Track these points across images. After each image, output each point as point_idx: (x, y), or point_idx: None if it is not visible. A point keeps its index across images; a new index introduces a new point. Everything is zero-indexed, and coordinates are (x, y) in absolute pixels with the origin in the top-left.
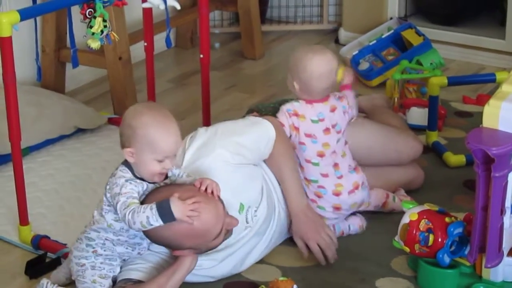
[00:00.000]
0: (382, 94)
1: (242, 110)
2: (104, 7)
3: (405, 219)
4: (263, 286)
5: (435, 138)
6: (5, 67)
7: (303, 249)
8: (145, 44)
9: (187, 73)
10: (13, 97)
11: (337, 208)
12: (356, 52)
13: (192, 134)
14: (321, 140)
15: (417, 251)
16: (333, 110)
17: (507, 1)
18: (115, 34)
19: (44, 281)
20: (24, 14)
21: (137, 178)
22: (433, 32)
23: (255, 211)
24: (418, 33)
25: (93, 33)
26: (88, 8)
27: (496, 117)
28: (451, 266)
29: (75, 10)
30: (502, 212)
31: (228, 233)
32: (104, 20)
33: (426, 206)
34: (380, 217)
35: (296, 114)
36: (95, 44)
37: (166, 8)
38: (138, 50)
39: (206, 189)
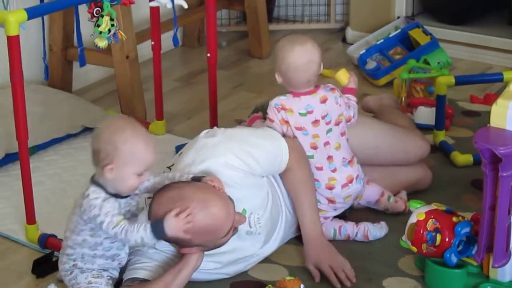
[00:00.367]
0: (390, 94)
1: (249, 109)
2: (111, 6)
3: (413, 219)
4: (270, 285)
5: (442, 137)
6: (13, 66)
7: (314, 273)
8: (152, 43)
9: (194, 72)
10: (20, 96)
11: (331, 201)
12: (363, 51)
13: (209, 130)
14: (311, 132)
15: (424, 251)
16: (323, 101)
17: None
18: (122, 33)
19: (52, 286)
20: (32, 13)
21: (111, 195)
22: (440, 31)
23: (258, 218)
24: (426, 32)
25: (100, 32)
26: (96, 7)
27: (504, 117)
28: (458, 265)
29: (83, 9)
30: (510, 211)
31: (235, 230)
32: (112, 19)
33: (433, 206)
34: (387, 217)
35: (284, 108)
36: (102, 43)
37: (173, 6)
38: (145, 49)
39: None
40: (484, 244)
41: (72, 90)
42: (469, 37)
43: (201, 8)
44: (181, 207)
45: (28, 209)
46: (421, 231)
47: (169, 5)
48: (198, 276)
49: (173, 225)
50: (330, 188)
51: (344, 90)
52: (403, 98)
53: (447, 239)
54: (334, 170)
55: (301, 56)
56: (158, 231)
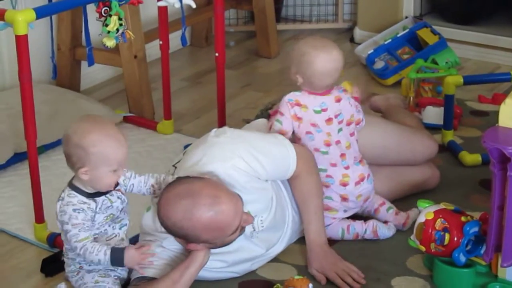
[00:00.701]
0: (398, 94)
1: (257, 108)
2: (119, 5)
3: (421, 218)
4: (278, 284)
5: (450, 137)
6: (21, 65)
7: (319, 277)
8: (161, 42)
9: (202, 72)
10: (28, 96)
11: (344, 199)
12: (371, 51)
13: (217, 130)
14: (324, 129)
15: (432, 250)
16: (338, 100)
17: None
18: (130, 33)
19: (62, 285)
20: (40, 12)
21: (89, 195)
22: (448, 31)
23: (262, 220)
24: (434, 32)
25: (108, 32)
26: (104, 7)
27: None
28: (466, 265)
29: (91, 9)
30: None
31: (243, 230)
32: (120, 19)
33: (442, 205)
34: None
35: (298, 104)
36: (110, 43)
37: (181, 6)
38: (153, 49)
39: None
40: (492, 243)
41: (80, 89)
42: (477, 37)
43: (209, 7)
44: (142, 244)
45: (37, 208)
46: (430, 231)
47: (177, 5)
48: (206, 274)
49: (131, 256)
50: (344, 184)
51: None
52: (411, 98)
53: (455, 239)
54: (347, 167)
55: (328, 63)
56: (117, 259)
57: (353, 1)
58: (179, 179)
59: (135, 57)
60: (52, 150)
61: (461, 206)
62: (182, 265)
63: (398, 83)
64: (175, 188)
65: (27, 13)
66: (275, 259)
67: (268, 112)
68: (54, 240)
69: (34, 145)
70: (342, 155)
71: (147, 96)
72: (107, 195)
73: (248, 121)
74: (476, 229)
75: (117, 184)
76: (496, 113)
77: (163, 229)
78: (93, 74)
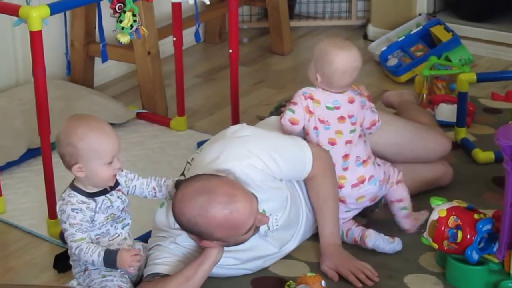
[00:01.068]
0: (411, 90)
1: (270, 105)
2: (133, 1)
3: (434, 216)
4: (291, 281)
5: (463, 134)
6: (35, 61)
7: (331, 273)
8: (174, 39)
9: (215, 68)
10: (42, 91)
11: (341, 201)
12: (385, 48)
13: (235, 126)
14: (334, 127)
15: (445, 248)
16: (351, 101)
17: None
18: (144, 29)
19: (74, 282)
20: (54, 8)
21: (88, 195)
22: (462, 28)
23: (276, 219)
24: (447, 29)
25: (122, 28)
26: (118, 3)
27: None
28: (479, 263)
29: (105, 5)
30: None
31: (257, 229)
32: (134, 15)
33: (454, 203)
34: None
35: (312, 98)
36: (124, 39)
37: (195, 2)
38: (167, 45)
39: None
40: (505, 241)
41: (94, 85)
42: (491, 34)
43: (223, 4)
44: (134, 250)
45: (50, 204)
46: (442, 228)
47: (191, 1)
48: (219, 271)
49: (123, 258)
50: (340, 187)
51: None
52: (425, 95)
53: (468, 236)
54: (346, 169)
55: (349, 62)
56: (110, 261)
57: None
58: (196, 176)
59: (149, 53)
60: None
61: (474, 204)
62: (195, 262)
63: (411, 81)
64: (191, 185)
65: (42, 9)
66: (288, 256)
67: (281, 110)
68: None
69: (47, 141)
70: (346, 156)
71: (161, 92)
72: (107, 195)
73: (261, 118)
74: (489, 226)
75: (117, 184)
76: (509, 110)
77: (176, 225)
78: (107, 70)
